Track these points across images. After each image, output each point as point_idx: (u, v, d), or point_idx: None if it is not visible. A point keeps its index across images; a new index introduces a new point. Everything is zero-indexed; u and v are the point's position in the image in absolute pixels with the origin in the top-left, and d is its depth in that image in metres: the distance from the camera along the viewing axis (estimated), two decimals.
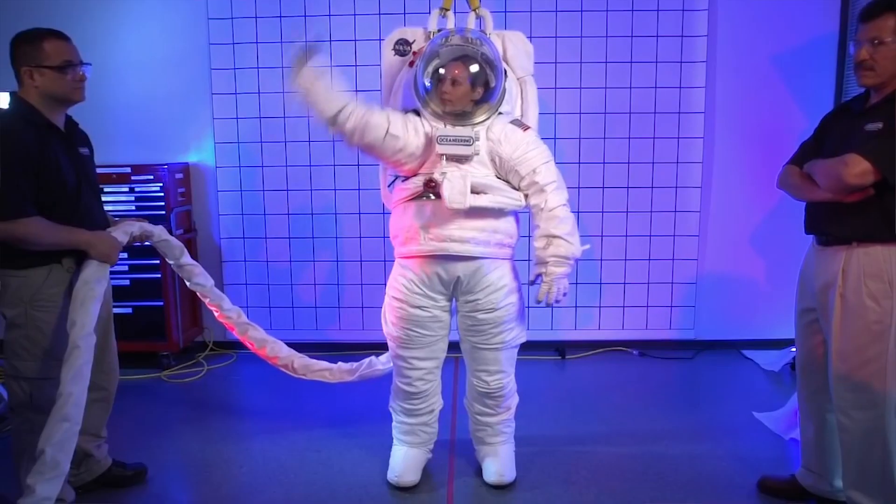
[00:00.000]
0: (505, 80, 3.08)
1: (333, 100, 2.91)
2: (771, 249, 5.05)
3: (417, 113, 3.06)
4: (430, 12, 3.26)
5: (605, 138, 4.98)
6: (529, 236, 3.16)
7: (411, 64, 3.19)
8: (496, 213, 3.01)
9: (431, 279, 3.06)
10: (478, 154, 2.95)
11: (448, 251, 2.99)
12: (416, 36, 3.26)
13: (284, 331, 5.07)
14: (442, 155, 2.94)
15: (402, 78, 3.23)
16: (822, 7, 4.81)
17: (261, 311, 5.22)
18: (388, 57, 3.28)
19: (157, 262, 4.82)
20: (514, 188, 3.04)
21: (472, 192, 2.91)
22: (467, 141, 2.91)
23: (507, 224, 3.09)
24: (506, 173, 3.01)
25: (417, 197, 3.01)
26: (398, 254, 3.15)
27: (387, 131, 2.94)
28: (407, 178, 3.05)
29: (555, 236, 2.97)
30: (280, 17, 4.94)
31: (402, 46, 3.26)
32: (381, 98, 3.37)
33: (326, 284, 5.22)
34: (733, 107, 4.97)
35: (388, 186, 3.19)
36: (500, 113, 3.06)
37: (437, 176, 2.93)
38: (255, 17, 4.95)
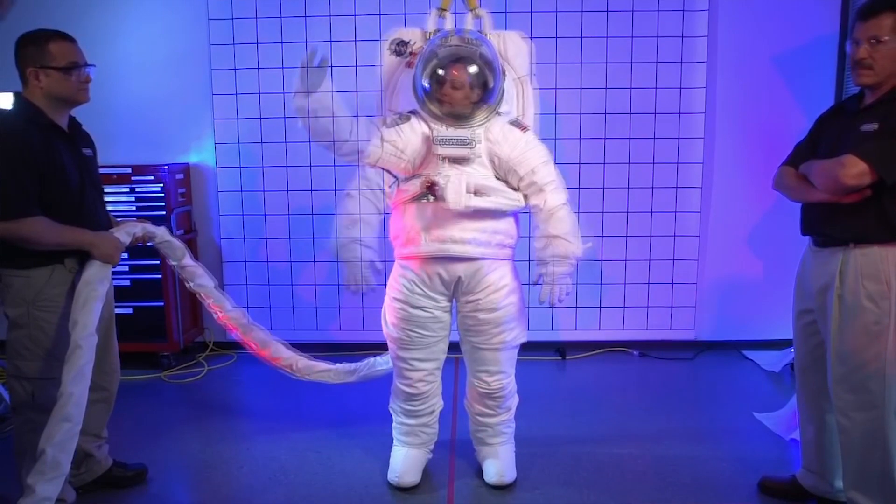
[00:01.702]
0: (504, 80, 3.08)
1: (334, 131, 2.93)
2: (771, 249, 5.05)
3: (413, 114, 3.07)
4: (430, 13, 3.26)
5: (605, 139, 4.98)
6: (530, 237, 3.17)
7: (409, 65, 3.18)
8: (496, 213, 3.02)
9: (432, 279, 3.07)
10: (479, 156, 2.96)
11: (449, 252, 2.99)
12: (413, 36, 3.25)
13: (285, 331, 5.06)
14: (441, 156, 2.94)
15: (400, 78, 3.23)
16: (822, 7, 4.80)
17: (261, 311, 5.22)
18: (387, 58, 3.27)
19: (158, 262, 4.82)
20: (513, 189, 3.04)
21: (472, 193, 2.91)
22: (466, 142, 2.92)
23: (507, 225, 3.09)
24: (504, 173, 3.01)
25: (417, 198, 3.01)
26: (398, 255, 3.16)
27: (382, 141, 2.95)
28: (407, 180, 3.05)
29: (555, 236, 2.98)
30: (280, 17, 4.94)
31: (399, 47, 3.24)
32: (380, 99, 3.35)
33: (327, 285, 5.22)
34: (734, 107, 4.97)
35: (389, 187, 3.18)
36: (498, 113, 3.06)
37: (436, 178, 2.93)
38: (256, 18, 4.95)
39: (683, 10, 4.82)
